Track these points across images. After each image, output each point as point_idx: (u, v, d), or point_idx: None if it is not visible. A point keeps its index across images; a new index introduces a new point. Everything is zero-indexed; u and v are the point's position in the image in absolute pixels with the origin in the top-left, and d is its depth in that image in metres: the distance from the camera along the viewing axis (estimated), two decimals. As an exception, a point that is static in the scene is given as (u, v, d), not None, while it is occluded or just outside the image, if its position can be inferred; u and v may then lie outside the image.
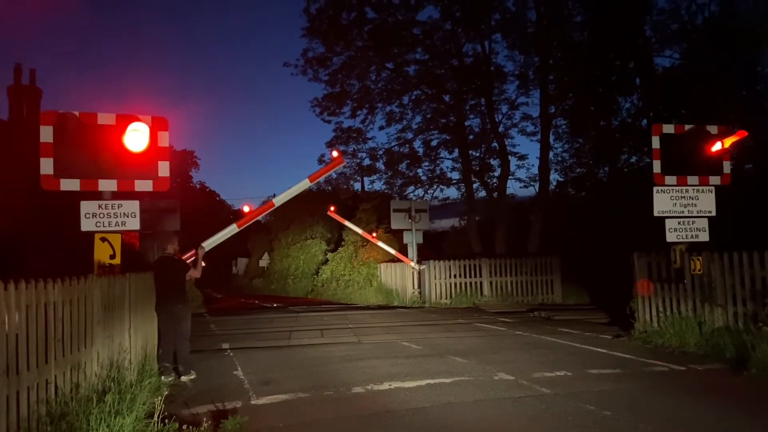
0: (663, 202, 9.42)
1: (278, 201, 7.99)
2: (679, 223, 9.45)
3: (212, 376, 7.63)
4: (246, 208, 9.38)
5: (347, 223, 20.79)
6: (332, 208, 23.20)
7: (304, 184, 8.06)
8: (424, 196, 27.35)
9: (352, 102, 27.27)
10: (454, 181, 27.34)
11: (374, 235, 19.37)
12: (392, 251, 18.93)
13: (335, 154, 8.53)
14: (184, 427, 4.82)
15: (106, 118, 7.12)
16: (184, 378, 7.38)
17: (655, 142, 9.50)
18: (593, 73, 22.53)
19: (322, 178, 8.36)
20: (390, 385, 6.76)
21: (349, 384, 6.85)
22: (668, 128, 9.61)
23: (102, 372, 5.68)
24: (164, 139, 7.48)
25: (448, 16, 24.93)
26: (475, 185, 26.24)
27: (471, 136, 26.63)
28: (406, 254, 19.63)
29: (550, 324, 12.24)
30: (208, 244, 8.00)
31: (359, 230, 20.28)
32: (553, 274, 17.92)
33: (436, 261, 17.94)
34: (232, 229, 8.05)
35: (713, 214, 9.51)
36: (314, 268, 28.53)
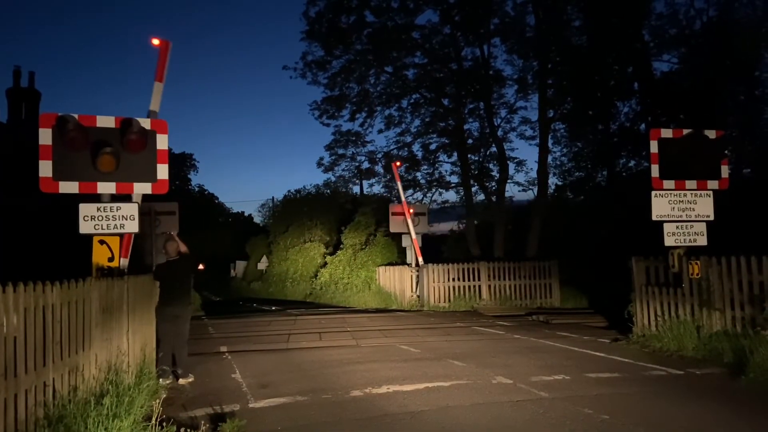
0: (661, 206, 9.44)
1: (152, 112, 7.62)
2: (677, 227, 9.46)
3: (210, 379, 7.62)
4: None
5: (399, 185, 20.15)
6: (397, 163, 22.14)
7: (158, 87, 7.72)
8: (423, 199, 27.39)
9: (351, 105, 27.35)
10: (453, 185, 27.41)
11: (411, 212, 18.79)
12: (414, 235, 18.37)
13: (156, 42, 7.61)
14: (182, 430, 4.81)
15: (105, 121, 7.13)
16: (182, 381, 7.37)
17: (654, 147, 9.52)
18: (592, 78, 22.60)
19: (166, 71, 7.74)
20: (388, 388, 6.76)
21: (347, 387, 6.84)
22: (666, 133, 9.63)
23: (100, 375, 5.67)
24: (163, 142, 7.48)
25: (448, 20, 25.00)
26: (473, 189, 26.30)
27: (470, 140, 26.73)
28: (404, 259, 19.59)
29: (548, 328, 12.24)
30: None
31: (403, 195, 19.57)
32: (552, 278, 17.92)
33: (435, 264, 17.94)
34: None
35: (711, 218, 9.53)
36: (313, 272, 28.50)
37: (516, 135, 26.70)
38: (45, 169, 6.92)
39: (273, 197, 51.55)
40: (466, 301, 17.29)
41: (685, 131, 9.56)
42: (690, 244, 9.41)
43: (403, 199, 19.09)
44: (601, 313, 13.53)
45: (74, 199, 7.15)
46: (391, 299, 19.60)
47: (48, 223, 16.90)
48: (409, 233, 18.40)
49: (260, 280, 37.19)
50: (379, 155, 28.45)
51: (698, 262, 8.94)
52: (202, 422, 4.96)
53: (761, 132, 19.67)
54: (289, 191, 45.88)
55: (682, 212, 9.46)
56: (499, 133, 25.69)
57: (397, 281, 19.67)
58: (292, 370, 8.09)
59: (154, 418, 4.90)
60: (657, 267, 9.84)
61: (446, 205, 28.56)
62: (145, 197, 7.85)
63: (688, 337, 8.64)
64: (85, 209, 7.10)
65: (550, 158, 24.85)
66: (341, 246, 26.22)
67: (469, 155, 26.32)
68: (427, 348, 9.66)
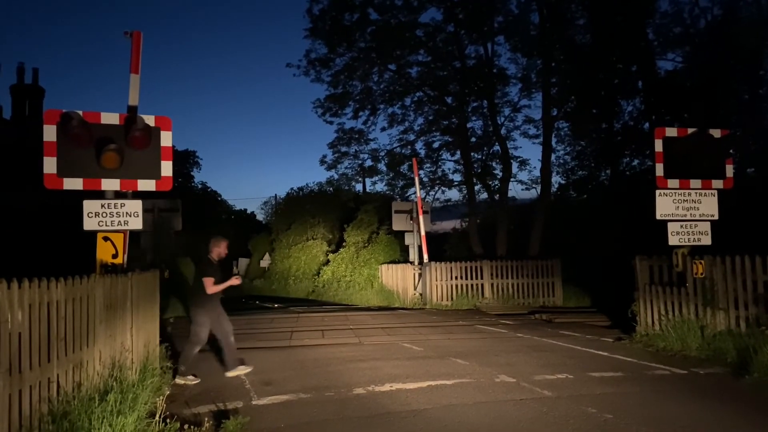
0: (665, 205, 9.41)
1: (132, 108, 7.39)
2: (681, 226, 9.44)
3: (214, 376, 7.63)
4: None
5: (416, 179, 20.05)
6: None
7: (135, 80, 7.50)
8: (425, 197, 27.37)
9: (355, 103, 27.30)
10: (456, 183, 27.37)
11: (421, 210, 18.75)
12: (423, 231, 18.30)
13: (127, 33, 7.21)
14: (186, 426, 4.83)
15: (109, 118, 7.13)
16: (183, 379, 7.38)
17: (658, 146, 9.49)
18: (595, 76, 22.55)
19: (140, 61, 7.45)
20: (391, 386, 6.76)
21: (350, 385, 6.85)
22: (671, 131, 9.60)
23: (104, 371, 5.68)
24: (167, 139, 7.49)
25: (451, 18, 24.94)
26: (476, 187, 26.27)
27: (473, 139, 26.66)
28: (407, 257, 19.55)
29: (551, 326, 12.23)
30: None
31: (419, 192, 19.38)
32: (554, 277, 17.89)
33: (438, 262, 17.93)
34: None
35: (716, 217, 9.50)
36: (315, 269, 28.51)
37: (519, 133, 26.66)
38: (49, 165, 6.93)
39: (276, 195, 51.62)
40: (468, 300, 17.28)
41: (690, 130, 9.52)
42: (694, 243, 9.39)
43: (418, 195, 19.08)
44: (604, 312, 13.51)
45: (77, 196, 7.16)
46: (394, 297, 19.61)
47: (51, 219, 16.93)
48: (419, 231, 18.34)
49: (263, 278, 37.20)
50: (382, 153, 28.43)
51: (702, 261, 8.92)
52: (206, 419, 4.98)
53: (765, 131, 19.60)
54: (291, 189, 45.88)
55: (686, 211, 9.44)
56: (503, 131, 25.66)
57: (399, 279, 19.68)
58: (295, 367, 8.09)
59: (157, 415, 4.91)
60: (661, 266, 9.82)
61: (449, 203, 28.57)
62: (148, 194, 7.85)
63: (691, 337, 8.63)
64: (89, 206, 7.11)
65: (553, 157, 24.82)
66: (344, 244, 26.22)
67: (472, 153, 26.27)
68: (430, 346, 9.66)
